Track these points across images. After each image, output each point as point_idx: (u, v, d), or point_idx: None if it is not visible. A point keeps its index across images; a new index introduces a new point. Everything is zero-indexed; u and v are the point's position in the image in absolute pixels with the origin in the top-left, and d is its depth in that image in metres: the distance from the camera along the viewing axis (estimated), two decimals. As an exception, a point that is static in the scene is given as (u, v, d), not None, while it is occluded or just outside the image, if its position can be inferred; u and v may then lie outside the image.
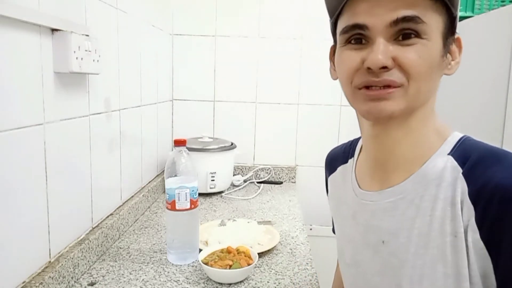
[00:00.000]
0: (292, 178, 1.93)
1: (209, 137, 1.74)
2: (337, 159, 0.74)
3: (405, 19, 0.50)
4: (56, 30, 0.85)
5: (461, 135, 0.57)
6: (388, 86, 0.53)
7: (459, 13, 1.46)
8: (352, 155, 0.71)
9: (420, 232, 0.53)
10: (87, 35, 0.93)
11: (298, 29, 1.84)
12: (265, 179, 1.92)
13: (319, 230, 1.95)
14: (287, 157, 1.94)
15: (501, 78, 1.22)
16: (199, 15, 1.85)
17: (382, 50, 0.51)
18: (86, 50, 0.92)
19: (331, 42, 0.67)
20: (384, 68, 0.52)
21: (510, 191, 0.46)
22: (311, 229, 1.94)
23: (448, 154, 0.54)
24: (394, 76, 0.52)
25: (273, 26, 1.85)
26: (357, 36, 0.54)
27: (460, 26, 1.56)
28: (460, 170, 0.52)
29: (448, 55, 0.56)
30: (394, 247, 0.57)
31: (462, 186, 0.51)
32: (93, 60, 0.96)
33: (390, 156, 0.59)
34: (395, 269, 0.56)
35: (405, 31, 0.51)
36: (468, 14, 1.51)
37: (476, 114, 1.36)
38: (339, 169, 0.72)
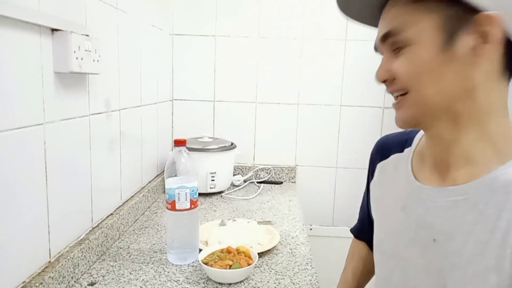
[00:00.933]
0: (292, 178, 1.94)
1: (209, 137, 1.74)
2: (391, 146, 0.71)
3: (386, 36, 0.55)
4: (56, 30, 0.85)
5: None
6: (397, 97, 0.56)
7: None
8: (410, 145, 0.68)
9: (478, 239, 0.51)
10: (87, 35, 0.94)
11: (298, 29, 1.85)
12: (265, 179, 1.92)
13: (319, 230, 1.95)
14: (287, 157, 1.94)
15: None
16: (199, 15, 1.85)
17: (380, 66, 0.56)
18: (86, 50, 0.92)
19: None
20: (385, 81, 0.56)
21: None
22: (311, 229, 1.94)
23: None
24: (396, 85, 0.55)
25: (273, 26, 1.85)
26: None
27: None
28: None
29: (467, 41, 0.51)
30: (446, 249, 0.54)
31: None
32: (93, 60, 0.96)
33: (449, 155, 0.57)
34: (443, 271, 0.54)
35: (395, 45, 0.55)
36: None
37: None
38: (393, 157, 0.69)
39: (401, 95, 0.55)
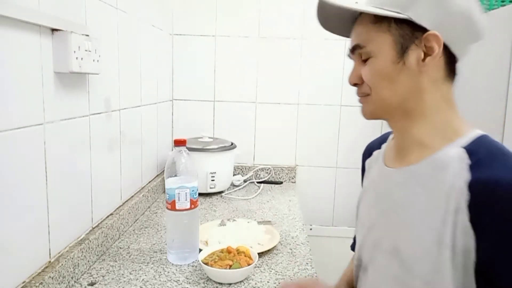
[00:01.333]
0: (292, 178, 1.94)
1: (209, 137, 1.75)
2: (373, 146, 0.87)
3: (354, 48, 0.70)
4: (56, 30, 0.85)
5: (481, 133, 0.65)
6: (364, 95, 0.71)
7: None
8: (385, 141, 0.84)
9: (421, 206, 0.64)
10: (87, 35, 0.94)
11: (298, 29, 1.85)
12: (265, 179, 1.92)
13: (319, 230, 1.95)
14: (287, 157, 1.94)
15: (501, 78, 1.22)
16: (199, 15, 1.85)
17: (352, 72, 0.71)
18: (86, 50, 0.92)
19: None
20: (355, 84, 0.72)
21: (500, 187, 0.55)
22: (311, 229, 1.94)
23: (462, 147, 0.63)
24: (362, 88, 0.71)
25: (273, 26, 1.85)
26: None
27: (460, 26, 1.54)
28: (468, 162, 0.60)
29: (415, 54, 0.65)
30: (400, 215, 0.68)
31: (465, 175, 0.59)
32: (93, 60, 0.96)
33: (405, 140, 0.71)
34: (397, 233, 0.68)
35: (361, 56, 0.69)
36: (468, 14, 1.50)
37: (476, 114, 1.36)
38: (375, 153, 0.85)
39: (365, 95, 0.71)
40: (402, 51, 0.65)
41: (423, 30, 0.63)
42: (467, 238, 0.58)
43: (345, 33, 0.74)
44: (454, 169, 0.61)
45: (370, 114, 0.72)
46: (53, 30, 0.85)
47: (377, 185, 0.77)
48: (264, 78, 1.88)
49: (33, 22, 0.77)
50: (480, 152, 0.60)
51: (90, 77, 1.03)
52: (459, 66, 0.68)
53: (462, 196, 0.58)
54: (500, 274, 0.57)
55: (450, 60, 0.67)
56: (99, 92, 1.08)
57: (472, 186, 0.58)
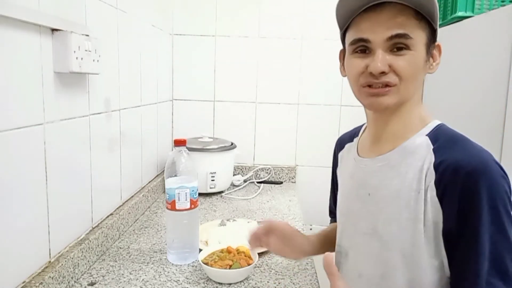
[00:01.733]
0: (292, 178, 1.94)
1: (209, 137, 1.74)
2: (345, 140, 0.94)
3: (398, 36, 0.69)
4: (56, 30, 0.85)
5: (439, 122, 0.75)
6: (386, 86, 0.71)
7: (460, 13, 1.45)
8: (357, 135, 0.90)
9: (395, 188, 0.72)
10: (87, 35, 0.94)
11: (298, 29, 1.85)
12: (265, 179, 1.92)
13: (319, 230, 1.94)
14: (287, 157, 1.94)
15: (501, 78, 1.22)
16: (199, 15, 1.85)
17: (381, 59, 0.69)
18: (86, 50, 0.92)
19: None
20: (383, 73, 0.70)
21: (461, 166, 0.64)
22: (311, 229, 1.94)
23: (426, 135, 0.72)
24: (390, 78, 0.70)
25: (273, 26, 1.85)
26: (361, 48, 0.72)
27: (460, 26, 1.56)
28: (432, 147, 0.70)
29: (430, 58, 0.73)
30: (376, 198, 0.75)
31: (430, 158, 0.69)
32: (93, 60, 0.96)
33: (383, 133, 0.78)
34: (374, 215, 0.75)
35: (398, 45, 0.69)
36: (468, 14, 1.50)
37: (476, 114, 1.36)
38: (346, 146, 0.92)
39: (390, 86, 0.71)
40: (427, 52, 0.72)
41: (435, 39, 0.73)
42: (435, 211, 0.67)
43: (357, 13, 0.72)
44: (421, 154, 0.70)
45: (392, 105, 0.72)
46: (53, 30, 0.85)
47: (353, 174, 0.84)
48: (264, 78, 1.88)
49: (33, 22, 0.77)
50: (440, 138, 0.71)
51: (90, 77, 1.03)
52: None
53: (430, 176, 0.68)
54: (460, 236, 0.65)
55: None
56: (99, 92, 1.08)
57: (437, 167, 0.67)
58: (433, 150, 0.69)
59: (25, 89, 0.77)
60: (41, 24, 0.80)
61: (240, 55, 1.87)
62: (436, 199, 0.67)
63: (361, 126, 0.92)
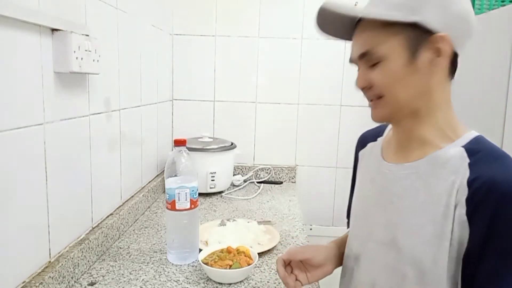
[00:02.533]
0: (292, 178, 1.94)
1: (209, 137, 1.74)
2: (368, 138, 0.89)
3: (362, 55, 0.70)
4: (56, 30, 0.85)
5: (477, 134, 0.70)
6: (372, 100, 0.72)
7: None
8: (381, 135, 0.86)
9: (421, 200, 0.68)
10: (87, 35, 0.94)
11: (298, 29, 1.85)
12: (265, 179, 1.92)
13: (319, 230, 1.95)
14: (287, 157, 1.94)
15: (501, 78, 1.22)
16: (199, 15, 1.85)
17: (359, 76, 0.72)
18: (86, 50, 0.92)
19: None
20: (364, 88, 0.72)
21: (497, 185, 0.60)
22: (311, 229, 1.94)
23: (462, 146, 0.67)
24: (373, 91, 0.71)
25: (273, 26, 1.85)
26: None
27: (460, 26, 1.53)
28: (468, 160, 0.65)
29: (426, 55, 0.67)
30: (399, 208, 0.71)
31: (464, 173, 0.64)
32: (93, 60, 0.96)
33: (410, 139, 0.73)
34: (395, 225, 0.72)
35: (369, 61, 0.69)
36: (468, 14, 1.50)
37: (476, 114, 1.36)
38: (369, 145, 0.87)
39: (377, 98, 0.71)
40: (414, 53, 0.66)
41: (430, 32, 0.65)
42: (463, 230, 0.63)
43: (344, 36, 0.75)
44: (455, 167, 0.65)
45: (382, 117, 0.73)
46: (53, 30, 0.85)
47: (374, 178, 0.80)
48: (264, 78, 1.89)
49: (33, 22, 0.77)
50: (479, 152, 0.65)
51: (90, 77, 1.03)
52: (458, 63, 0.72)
53: (462, 192, 0.63)
54: (483, 259, 0.62)
55: (453, 59, 0.69)
56: (99, 92, 1.08)
57: (471, 183, 0.62)
58: (469, 164, 0.64)
59: (25, 89, 0.77)
60: (41, 24, 0.80)
61: (240, 55, 1.87)
62: (465, 217, 0.63)
63: (387, 125, 0.88)
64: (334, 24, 0.72)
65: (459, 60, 0.71)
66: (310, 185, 1.94)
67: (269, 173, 1.93)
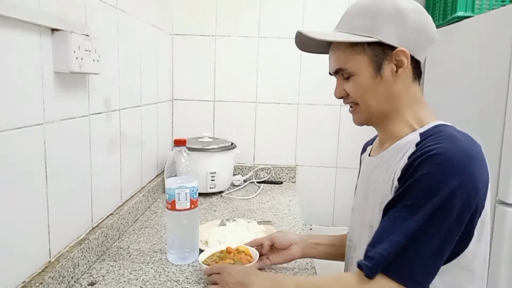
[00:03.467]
0: (292, 178, 1.94)
1: (209, 137, 1.74)
2: (368, 143, 1.02)
3: (336, 71, 0.84)
4: (56, 30, 0.85)
5: (441, 122, 0.79)
6: (351, 106, 0.86)
7: (460, 13, 1.44)
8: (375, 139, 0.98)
9: (382, 181, 0.80)
10: (87, 35, 0.94)
11: (298, 29, 1.84)
12: (265, 179, 1.92)
13: (319, 230, 1.95)
14: (287, 157, 1.94)
15: (501, 78, 1.22)
16: (199, 15, 1.85)
17: (337, 87, 0.86)
18: (86, 50, 0.92)
19: None
20: (342, 97, 0.86)
21: (428, 152, 0.69)
22: (311, 229, 1.94)
23: (420, 133, 0.77)
24: (349, 100, 0.85)
25: (273, 26, 1.85)
26: None
27: (460, 26, 1.55)
28: (417, 141, 0.75)
29: (389, 68, 0.79)
30: (375, 191, 0.82)
31: (411, 151, 0.74)
32: (93, 60, 0.96)
33: (383, 136, 0.87)
34: (368, 203, 0.85)
35: (343, 75, 0.83)
36: (468, 14, 1.50)
37: (476, 114, 1.36)
38: (368, 148, 0.99)
39: (355, 105, 0.84)
40: (378, 67, 0.79)
41: (392, 47, 0.77)
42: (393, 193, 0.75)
43: (322, 51, 0.88)
44: (407, 148, 0.76)
45: (360, 122, 0.86)
46: (53, 30, 0.85)
47: (362, 173, 0.93)
48: (264, 78, 1.88)
49: (33, 22, 0.77)
50: (430, 135, 0.74)
51: (90, 77, 1.03)
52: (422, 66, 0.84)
53: (402, 165, 0.74)
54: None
55: (416, 65, 0.81)
56: (99, 92, 1.08)
57: (411, 156, 0.73)
58: (416, 144, 0.74)
59: (25, 89, 0.77)
60: (41, 24, 0.80)
61: (240, 55, 1.87)
62: (397, 183, 0.74)
63: None
64: (310, 43, 0.85)
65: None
66: (310, 185, 1.94)
67: (269, 173, 1.93)
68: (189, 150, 1.09)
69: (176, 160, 1.05)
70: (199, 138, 1.73)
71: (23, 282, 0.78)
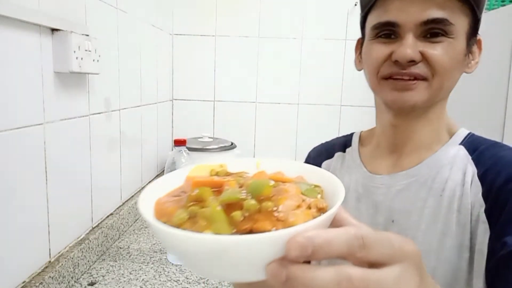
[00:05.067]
0: (292, 178, 1.93)
1: (209, 137, 1.74)
2: (334, 147, 0.79)
3: (435, 21, 0.55)
4: (56, 30, 0.85)
5: (468, 131, 0.64)
6: (414, 78, 0.57)
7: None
8: (350, 146, 0.76)
9: (430, 210, 0.59)
10: (87, 35, 0.94)
11: (298, 29, 1.84)
12: (265, 179, 1.92)
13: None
14: (287, 157, 1.94)
15: (501, 78, 1.22)
16: (199, 15, 1.85)
17: (410, 45, 0.55)
18: (86, 50, 0.92)
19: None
20: (412, 61, 0.56)
21: (508, 167, 0.54)
22: (311, 229, 1.94)
23: (459, 144, 0.61)
24: (420, 69, 0.57)
25: (273, 26, 1.85)
26: (386, 32, 0.58)
27: (460, 26, 1.54)
28: (470, 157, 0.59)
29: (470, 54, 0.60)
30: (404, 226, 0.61)
31: (472, 170, 0.57)
32: (93, 60, 0.96)
33: (408, 143, 0.64)
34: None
35: (433, 30, 0.56)
36: (468, 14, 1.50)
37: (476, 113, 1.36)
38: (336, 155, 0.76)
39: (422, 79, 0.57)
40: (468, 44, 0.58)
41: (476, 33, 0.60)
42: (484, 232, 0.54)
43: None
44: (459, 166, 0.59)
45: (421, 103, 0.58)
46: (53, 30, 0.85)
47: (361, 196, 0.67)
48: (264, 78, 1.88)
49: (33, 22, 0.77)
50: (478, 147, 0.60)
51: (90, 77, 1.03)
52: None
53: (475, 190, 0.56)
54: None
55: None
56: (99, 92, 1.08)
57: (483, 177, 0.56)
58: (473, 159, 0.58)
59: (25, 89, 0.77)
60: (41, 24, 0.80)
61: (240, 55, 1.87)
62: (484, 216, 0.54)
63: (351, 134, 0.79)
64: None
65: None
66: (310, 185, 1.93)
67: (269, 173, 1.93)
68: (189, 150, 1.09)
69: (176, 160, 1.05)
70: (199, 138, 1.73)
71: (23, 282, 0.78)
